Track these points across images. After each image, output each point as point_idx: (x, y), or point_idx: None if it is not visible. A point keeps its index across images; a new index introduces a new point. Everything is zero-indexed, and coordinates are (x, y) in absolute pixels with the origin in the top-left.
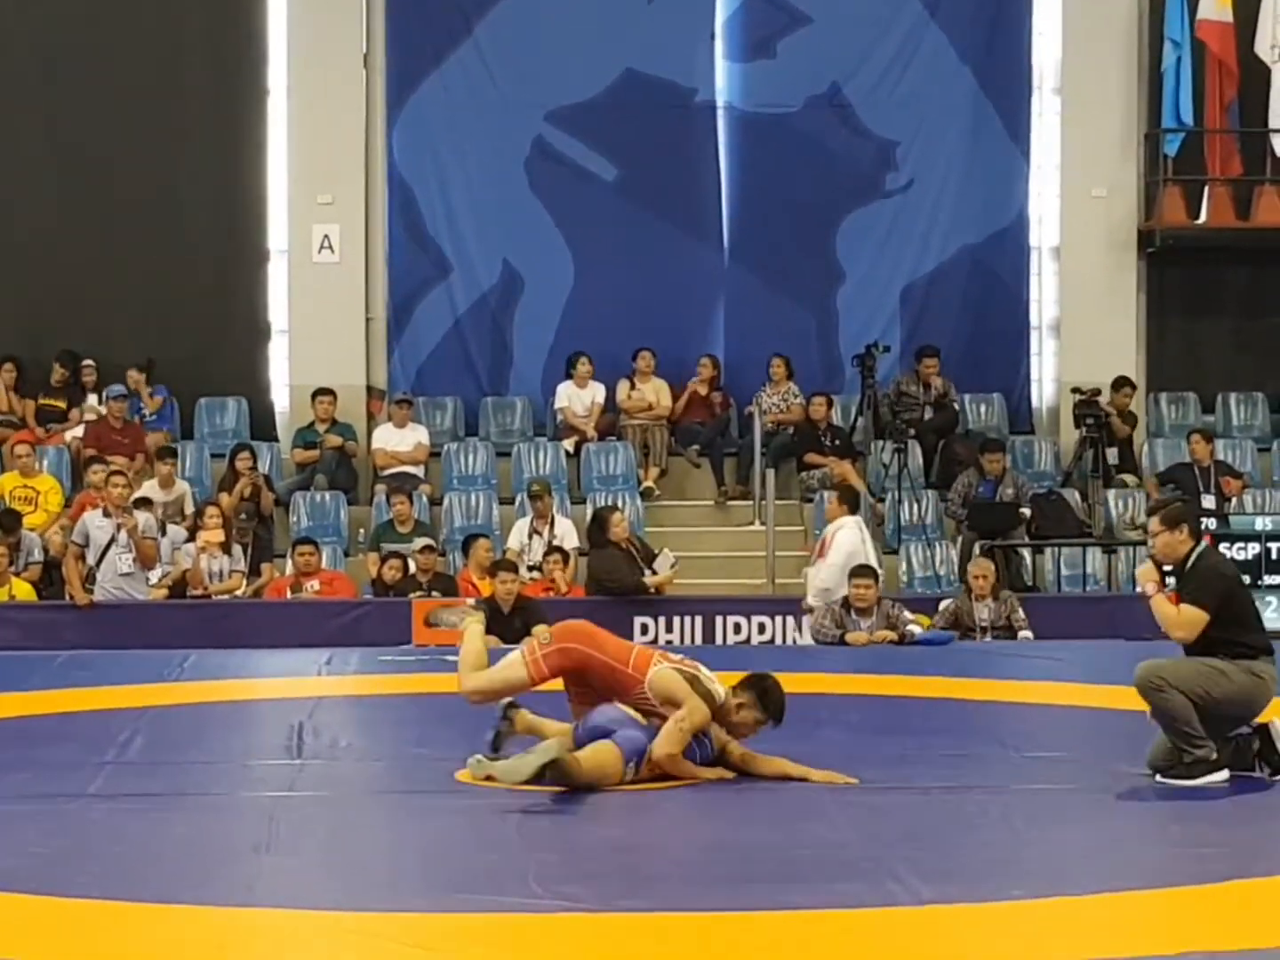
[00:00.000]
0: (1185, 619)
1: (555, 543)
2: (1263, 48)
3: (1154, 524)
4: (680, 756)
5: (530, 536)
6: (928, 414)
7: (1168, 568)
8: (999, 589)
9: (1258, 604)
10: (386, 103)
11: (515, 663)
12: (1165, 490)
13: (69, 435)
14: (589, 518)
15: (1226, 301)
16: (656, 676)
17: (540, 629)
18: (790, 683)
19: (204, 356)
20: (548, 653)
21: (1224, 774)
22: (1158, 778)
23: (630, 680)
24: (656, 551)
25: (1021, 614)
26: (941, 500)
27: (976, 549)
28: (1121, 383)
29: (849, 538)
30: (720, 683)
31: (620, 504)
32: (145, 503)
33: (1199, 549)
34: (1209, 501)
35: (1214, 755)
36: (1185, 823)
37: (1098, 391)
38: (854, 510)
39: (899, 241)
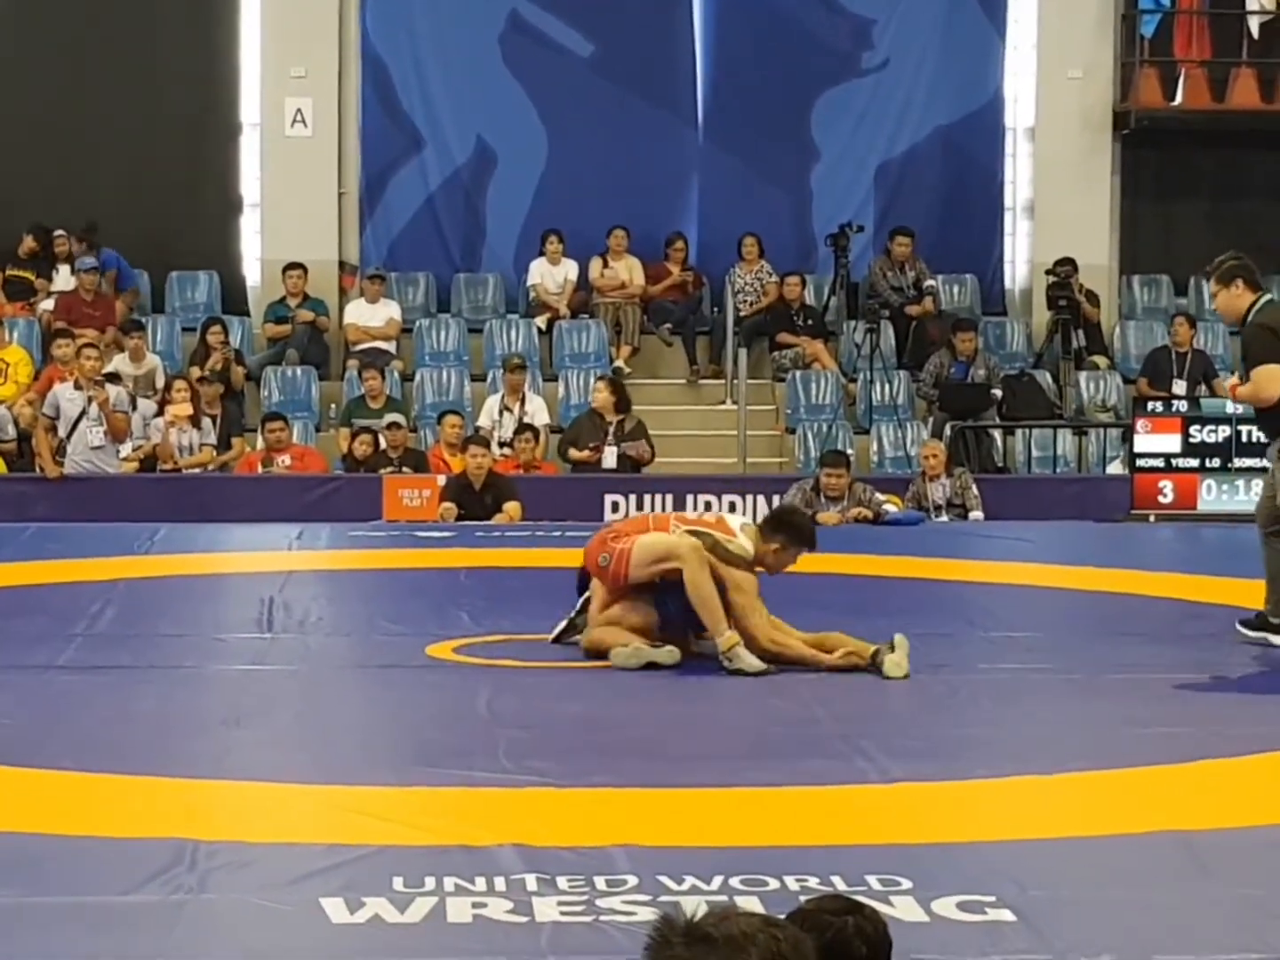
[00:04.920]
0: (1261, 381)
1: (526, 420)
2: None
3: (1211, 285)
4: (766, 625)
5: (501, 413)
6: (907, 302)
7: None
8: (952, 467)
9: (1229, 486)
10: None
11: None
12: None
13: (40, 307)
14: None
15: (1201, 184)
16: (638, 546)
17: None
18: None
19: (176, 230)
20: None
21: None
22: (1237, 625)
23: None
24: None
25: (975, 492)
26: (913, 381)
27: (947, 430)
28: (1063, 262)
29: None
30: (744, 531)
31: (591, 382)
32: (116, 376)
33: (1258, 302)
34: (1180, 388)
35: None
36: (1154, 703)
37: (1071, 271)
38: None
39: (874, 121)
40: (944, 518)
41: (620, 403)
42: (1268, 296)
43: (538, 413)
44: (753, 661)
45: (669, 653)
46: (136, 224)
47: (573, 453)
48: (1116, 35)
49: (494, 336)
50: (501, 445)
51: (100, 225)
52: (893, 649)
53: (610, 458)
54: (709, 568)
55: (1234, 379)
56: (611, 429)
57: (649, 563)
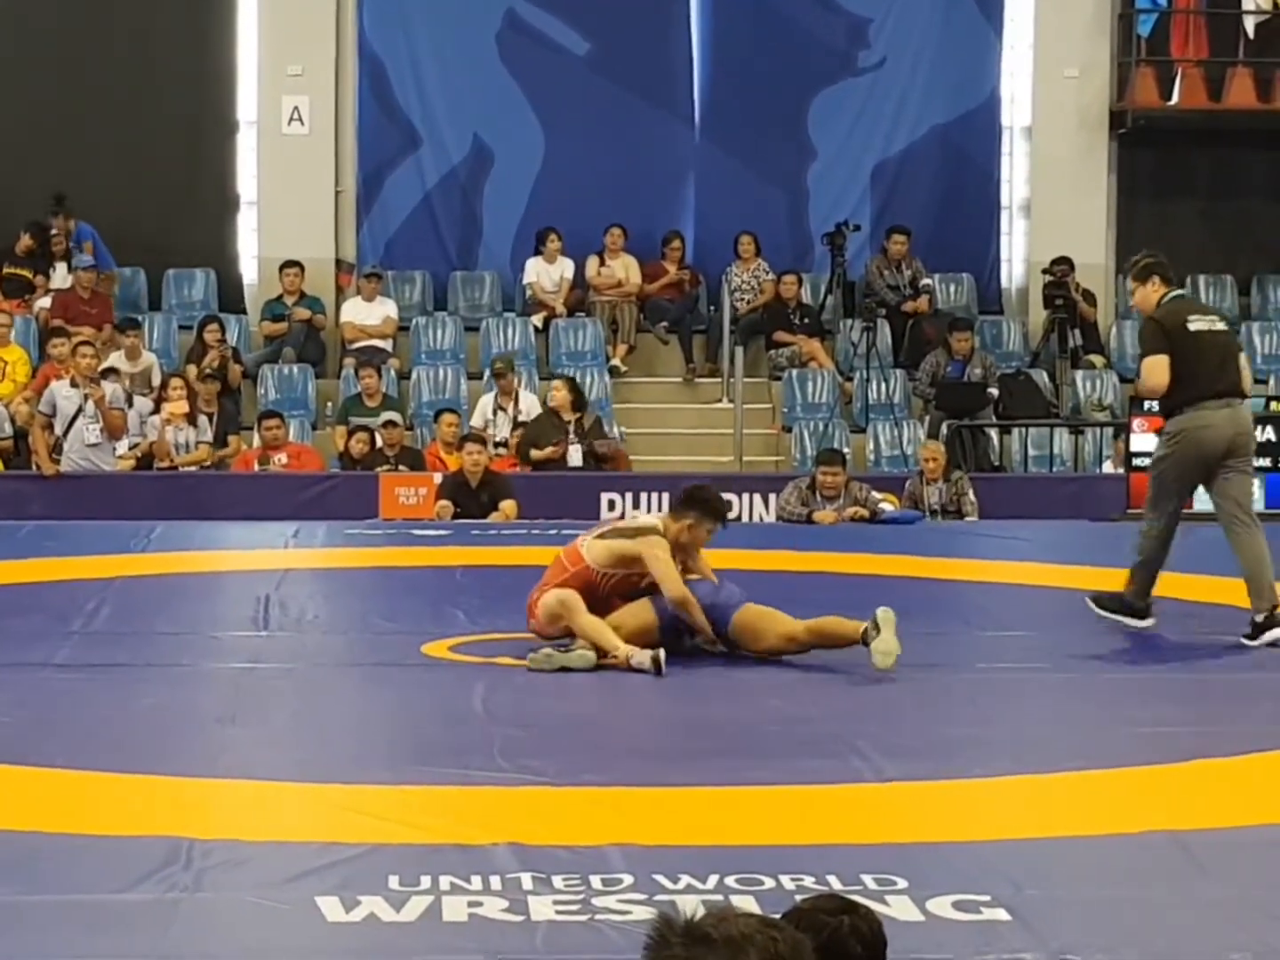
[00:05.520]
0: (1143, 372)
1: (520, 419)
2: None
3: (1130, 283)
4: (688, 593)
5: (495, 412)
6: (903, 300)
7: None
8: (950, 471)
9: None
10: None
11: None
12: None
13: (37, 305)
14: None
15: (1197, 183)
16: (592, 553)
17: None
18: (756, 561)
19: (172, 228)
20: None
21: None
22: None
23: (585, 576)
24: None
25: (972, 497)
26: (910, 380)
27: (943, 429)
28: (1059, 261)
29: None
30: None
31: (588, 380)
32: (112, 373)
33: (1166, 297)
34: None
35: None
36: (1150, 702)
37: (1068, 270)
38: None
39: (870, 120)
40: (938, 520)
41: (577, 401)
42: (1177, 292)
43: (532, 411)
44: (640, 656)
45: (580, 657)
46: (133, 222)
47: (534, 453)
48: (1113, 34)
49: (490, 335)
50: (497, 444)
51: (98, 225)
52: (877, 628)
53: (575, 455)
54: (584, 609)
55: None
56: (571, 427)
57: (552, 622)
